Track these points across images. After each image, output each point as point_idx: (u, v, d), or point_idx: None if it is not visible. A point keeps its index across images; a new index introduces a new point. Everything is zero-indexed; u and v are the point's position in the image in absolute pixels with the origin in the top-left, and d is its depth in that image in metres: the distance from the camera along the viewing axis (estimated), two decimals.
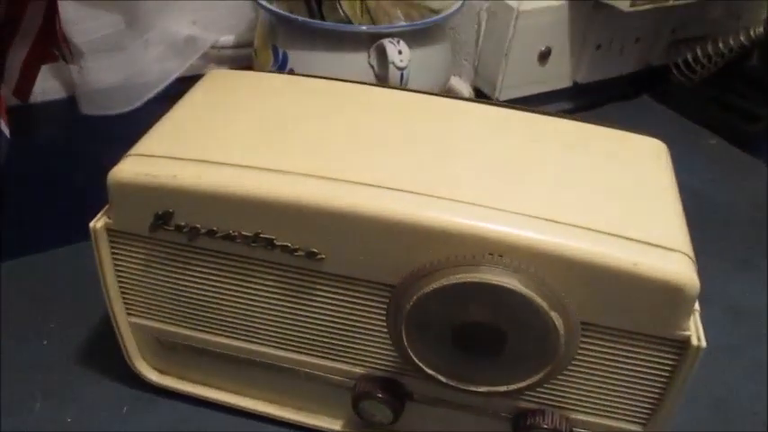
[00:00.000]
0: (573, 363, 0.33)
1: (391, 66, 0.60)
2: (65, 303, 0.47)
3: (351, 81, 0.42)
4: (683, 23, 0.79)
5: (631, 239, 0.31)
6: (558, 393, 0.35)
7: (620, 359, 0.33)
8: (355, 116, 0.38)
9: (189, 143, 0.35)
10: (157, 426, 0.40)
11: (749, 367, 0.48)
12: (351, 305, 0.34)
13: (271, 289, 0.35)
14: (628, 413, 0.35)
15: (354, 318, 0.35)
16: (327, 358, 0.37)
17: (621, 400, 0.34)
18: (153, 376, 0.41)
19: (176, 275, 0.36)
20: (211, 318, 0.37)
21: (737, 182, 0.68)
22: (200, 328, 0.38)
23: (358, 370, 0.37)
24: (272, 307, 0.36)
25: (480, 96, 0.75)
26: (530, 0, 0.68)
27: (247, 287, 0.35)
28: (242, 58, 0.76)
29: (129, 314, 0.39)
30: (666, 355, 0.32)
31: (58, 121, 0.69)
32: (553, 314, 0.30)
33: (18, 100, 0.59)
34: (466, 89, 0.76)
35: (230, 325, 0.37)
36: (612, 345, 0.32)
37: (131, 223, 0.35)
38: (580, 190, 0.34)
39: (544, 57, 0.72)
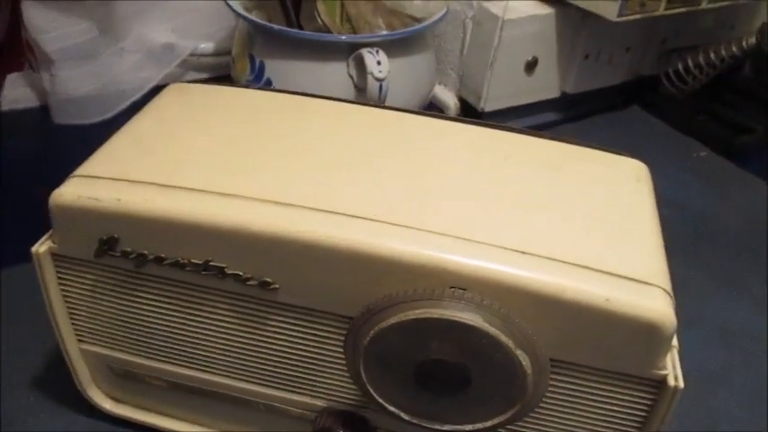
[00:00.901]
0: (543, 401, 0.31)
1: (369, 76, 0.57)
2: (20, 326, 0.45)
3: (319, 96, 0.40)
4: (675, 33, 0.77)
5: (604, 272, 0.29)
6: (528, 429, 0.33)
7: (593, 399, 0.31)
8: (319, 136, 0.36)
9: (137, 164, 0.33)
10: None
11: (737, 392, 0.46)
12: (308, 337, 0.32)
13: (223, 318, 0.33)
14: None
15: (312, 350, 0.33)
16: (286, 390, 0.35)
17: None
18: (107, 405, 0.39)
19: (125, 302, 0.34)
20: (162, 346, 0.35)
21: (727, 195, 0.66)
22: (152, 356, 0.36)
23: (319, 402, 0.35)
24: (224, 336, 0.34)
25: (465, 107, 0.73)
26: (516, 7, 0.66)
27: (198, 316, 0.33)
28: (222, 66, 0.74)
29: (79, 341, 0.37)
30: (642, 396, 0.30)
31: (29, 131, 0.67)
32: (519, 352, 0.28)
33: None
34: (451, 99, 0.74)
35: (182, 354, 0.35)
36: (585, 383, 0.30)
37: (76, 248, 0.33)
38: (553, 217, 0.32)
39: (531, 67, 0.70)
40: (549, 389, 0.31)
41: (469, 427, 0.32)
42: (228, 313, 0.33)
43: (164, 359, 0.36)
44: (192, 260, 0.31)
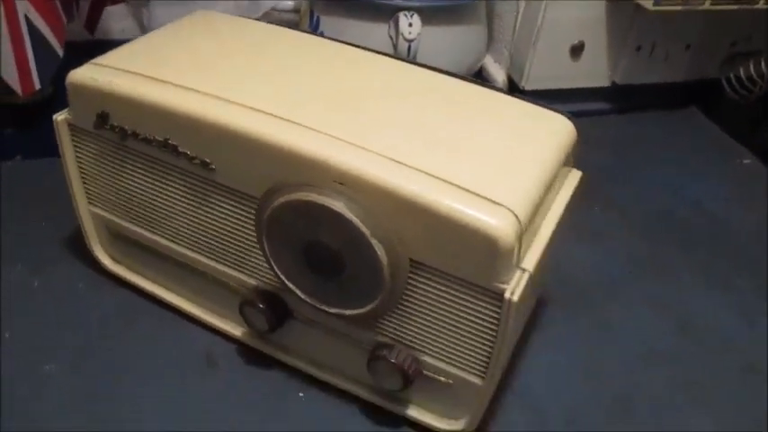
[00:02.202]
0: (411, 300, 0.36)
1: (400, 37, 0.63)
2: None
3: (318, 36, 0.47)
4: (747, 36, 0.74)
5: (461, 188, 0.33)
6: (405, 331, 0.37)
7: (452, 303, 0.35)
8: (284, 58, 0.42)
9: (136, 60, 0.41)
10: (97, 304, 0.47)
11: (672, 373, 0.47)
12: (237, 215, 0.39)
13: (180, 193, 0.41)
14: (468, 363, 0.37)
15: (241, 228, 0.40)
16: (225, 264, 0.42)
17: (460, 348, 0.36)
18: (106, 261, 0.48)
19: (115, 170, 0.43)
20: (140, 213, 0.44)
21: (756, 205, 0.64)
22: (134, 221, 0.44)
23: (252, 282, 0.42)
24: (182, 210, 0.41)
25: (512, 85, 0.76)
26: None
27: (163, 188, 0.41)
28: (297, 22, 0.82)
29: (89, 203, 0.46)
30: (489, 306, 0.34)
31: None
32: (375, 242, 0.33)
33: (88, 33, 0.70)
34: (500, 75, 0.77)
35: (155, 222, 0.43)
36: (442, 288, 0.35)
37: (83, 120, 0.42)
38: (449, 145, 0.36)
39: (576, 51, 0.71)
40: (413, 290, 0.35)
41: (348, 311, 0.37)
42: (183, 188, 0.40)
43: (142, 225, 0.44)
44: (156, 137, 0.39)
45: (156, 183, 0.41)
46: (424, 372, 0.39)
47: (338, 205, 0.33)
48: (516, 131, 0.38)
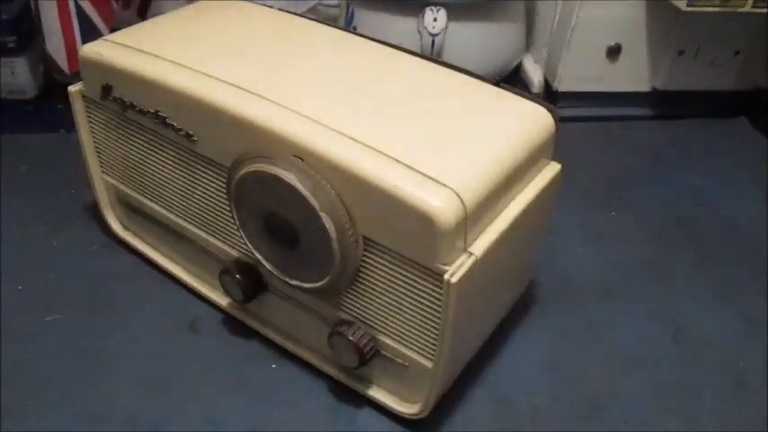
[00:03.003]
0: (367, 278, 0.36)
1: (424, 31, 0.64)
2: None
3: (316, 20, 0.48)
4: None
5: (411, 168, 0.33)
6: (364, 309, 0.38)
7: (402, 283, 0.35)
8: (276, 41, 0.44)
9: (139, 38, 0.44)
10: (105, 266, 0.51)
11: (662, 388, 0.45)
12: (216, 187, 0.41)
13: (171, 163, 0.43)
14: (420, 345, 0.37)
15: (221, 200, 0.41)
16: (212, 235, 0.44)
17: (413, 329, 0.37)
18: (116, 227, 0.52)
19: (119, 140, 0.46)
20: (141, 181, 0.46)
21: None
22: (136, 189, 0.47)
23: (233, 252, 0.44)
24: (174, 180, 0.44)
25: (548, 86, 0.75)
26: None
27: (158, 158, 0.44)
28: None
29: (102, 171, 0.50)
30: (433, 288, 0.34)
31: None
32: (323, 215, 0.34)
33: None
34: (536, 76, 0.76)
35: (153, 191, 0.46)
36: (393, 266, 0.35)
37: (92, 91, 0.45)
38: (412, 126, 0.36)
39: (613, 53, 0.69)
40: (368, 268, 0.36)
41: (307, 285, 0.38)
42: (173, 158, 0.43)
43: (143, 194, 0.47)
44: (149, 109, 0.41)
45: (152, 153, 0.44)
46: (382, 352, 0.39)
47: (290, 177, 0.34)
48: (483, 117, 0.38)
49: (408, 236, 0.33)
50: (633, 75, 0.71)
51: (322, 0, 0.84)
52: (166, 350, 0.45)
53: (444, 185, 0.32)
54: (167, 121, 0.41)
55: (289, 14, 0.49)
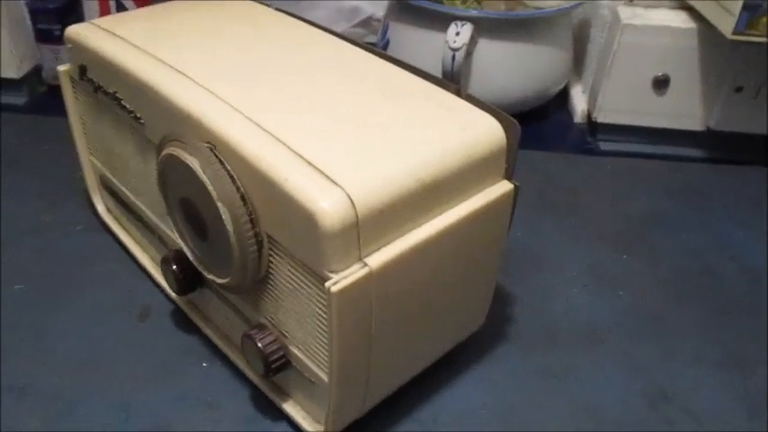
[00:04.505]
0: (275, 280, 0.34)
1: (446, 44, 0.61)
2: None
3: (300, 18, 0.47)
4: None
5: (309, 163, 0.31)
6: (278, 315, 0.36)
7: (302, 288, 0.33)
8: (238, 33, 0.43)
9: (121, 24, 0.44)
10: (83, 244, 0.52)
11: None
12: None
13: (131, 146, 0.43)
14: (321, 359, 0.34)
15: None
16: (164, 222, 0.44)
17: (314, 341, 0.34)
18: (100, 208, 0.53)
19: (96, 121, 0.47)
20: (113, 164, 0.47)
21: None
22: (111, 172, 0.48)
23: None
24: (134, 163, 0.44)
25: (589, 116, 0.69)
26: (649, 15, 0.61)
27: (121, 141, 0.44)
28: None
29: (90, 153, 0.51)
30: (322, 296, 0.31)
31: None
32: (221, 205, 0.32)
33: None
34: (580, 104, 0.71)
35: (122, 174, 0.46)
36: (293, 269, 0.33)
37: (75, 71, 0.46)
38: (336, 123, 0.34)
39: (660, 85, 0.63)
40: (275, 269, 0.34)
41: (219, 280, 0.36)
42: (132, 142, 0.43)
43: (114, 175, 0.48)
44: (110, 90, 0.42)
45: (117, 136, 0.44)
46: (294, 364, 0.37)
47: (194, 162, 0.33)
48: (419, 122, 0.35)
49: (299, 236, 0.31)
50: (683, 111, 0.65)
51: (374, 15, 0.84)
52: (107, 334, 0.45)
53: (336, 185, 0.30)
54: (122, 102, 0.41)
55: (283, 14, 0.48)
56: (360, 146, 0.33)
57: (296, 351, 0.36)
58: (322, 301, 0.31)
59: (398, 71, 0.40)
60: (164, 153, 0.35)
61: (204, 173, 0.32)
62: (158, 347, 0.44)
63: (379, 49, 0.72)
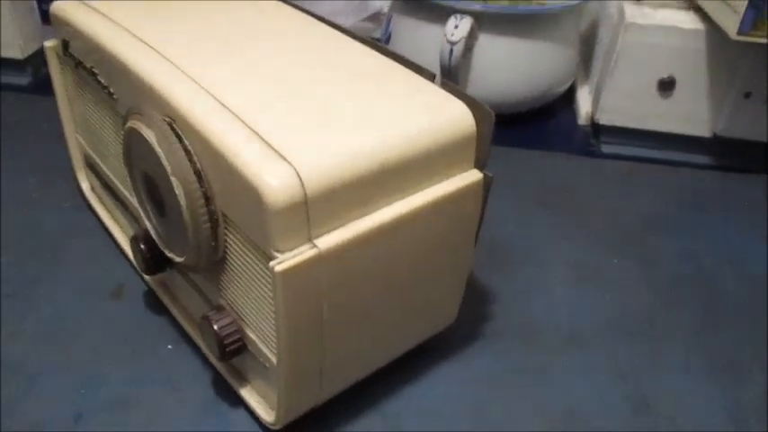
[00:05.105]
0: (232, 261, 0.33)
1: (444, 38, 0.60)
2: None
3: (302, 9, 0.46)
4: None
5: (262, 139, 0.30)
6: (236, 297, 0.35)
7: (254, 268, 0.32)
8: (229, 21, 0.42)
9: (106, 2, 0.44)
10: (68, 221, 0.52)
11: None
12: None
13: (109, 123, 0.43)
14: (273, 343, 0.33)
15: None
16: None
17: (266, 324, 0.33)
18: (84, 186, 0.53)
19: (79, 97, 0.46)
20: (93, 141, 0.47)
21: None
22: (92, 148, 0.48)
23: None
24: (111, 140, 0.44)
25: (592, 119, 0.67)
26: (656, 14, 0.59)
27: (99, 117, 0.44)
28: None
29: (76, 131, 0.51)
30: (268, 276, 0.30)
31: None
32: (174, 180, 0.31)
33: None
34: (585, 105, 0.69)
35: (100, 151, 0.46)
36: (246, 248, 0.32)
37: (60, 47, 0.46)
38: (301, 102, 0.33)
39: (665, 87, 0.61)
40: (231, 249, 0.33)
41: (177, 258, 0.36)
42: (108, 117, 0.42)
43: (95, 152, 0.47)
44: (88, 65, 0.42)
45: (98, 113, 0.44)
46: (250, 348, 0.36)
47: (150, 135, 0.32)
48: (385, 104, 0.34)
49: (248, 213, 0.30)
50: (690, 115, 0.62)
51: (382, 8, 0.83)
52: (79, 310, 0.44)
53: (286, 161, 0.29)
54: (98, 78, 0.41)
55: (283, 4, 0.47)
56: (319, 125, 0.32)
57: (251, 335, 0.35)
58: (270, 281, 0.30)
59: (377, 57, 0.39)
60: (126, 126, 0.35)
61: (160, 146, 0.32)
62: (128, 326, 0.44)
63: (382, 42, 0.72)
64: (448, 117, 0.34)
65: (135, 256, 0.42)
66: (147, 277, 0.45)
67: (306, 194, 0.29)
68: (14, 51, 0.68)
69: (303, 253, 0.29)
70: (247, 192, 0.29)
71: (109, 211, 0.51)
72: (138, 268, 0.43)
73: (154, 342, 0.43)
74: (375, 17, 0.84)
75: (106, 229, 0.51)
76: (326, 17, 0.71)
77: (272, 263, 0.29)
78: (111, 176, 0.46)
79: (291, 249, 0.29)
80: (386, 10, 0.83)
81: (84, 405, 0.39)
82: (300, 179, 0.29)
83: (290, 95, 0.34)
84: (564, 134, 0.69)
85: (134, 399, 0.39)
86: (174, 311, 0.43)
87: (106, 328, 0.43)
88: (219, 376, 0.40)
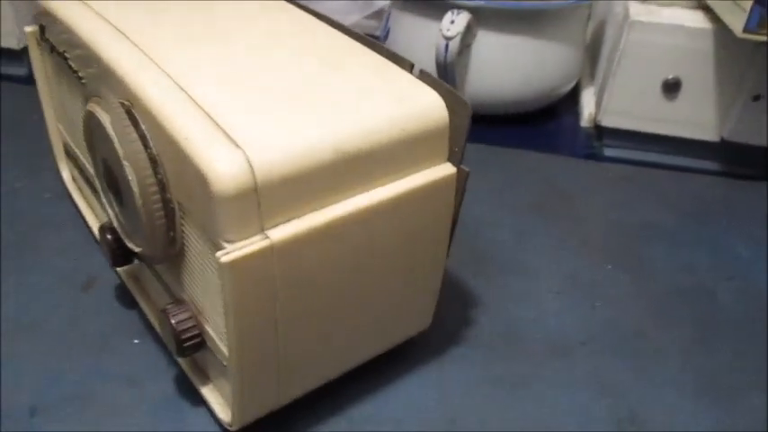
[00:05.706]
0: (187, 252, 0.32)
1: (440, 32, 0.58)
2: None
3: (300, 6, 0.45)
4: None
5: (217, 125, 0.28)
6: (192, 290, 0.33)
7: (207, 260, 0.30)
8: (210, 10, 0.41)
9: None
10: (46, 212, 0.51)
11: None
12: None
13: (79, 106, 0.41)
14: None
15: None
16: None
17: (222, 320, 0.31)
18: (64, 175, 0.52)
19: (57, 84, 0.45)
20: (70, 128, 0.46)
21: None
22: (70, 136, 0.47)
23: None
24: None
25: (595, 121, 0.65)
26: (662, 12, 0.57)
27: (73, 103, 0.43)
28: None
29: (57, 119, 0.50)
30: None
31: None
32: (126, 164, 0.30)
33: None
34: (589, 106, 0.67)
35: (76, 139, 0.45)
36: (199, 239, 0.30)
37: (38, 32, 0.45)
38: (265, 91, 0.31)
39: (670, 89, 0.59)
40: (188, 240, 0.31)
41: (136, 249, 0.34)
42: (80, 102, 0.41)
43: (73, 140, 0.46)
44: (59, 49, 0.41)
45: (71, 99, 0.43)
46: (208, 344, 0.34)
47: (105, 118, 0.31)
48: (353, 93, 0.32)
49: (198, 201, 0.28)
50: (696, 118, 0.60)
51: (385, 6, 0.82)
52: (49, 301, 0.43)
53: (238, 147, 0.27)
54: (69, 62, 0.40)
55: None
56: (278, 112, 0.30)
57: (210, 331, 0.33)
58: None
59: (354, 46, 0.37)
60: (85, 109, 0.34)
61: (114, 130, 0.31)
62: (95, 320, 0.42)
63: (381, 38, 0.70)
64: (418, 107, 0.32)
65: (102, 247, 0.41)
66: (118, 270, 0.44)
67: (256, 182, 0.27)
68: (11, 41, 0.68)
69: (253, 244, 0.28)
70: (197, 178, 0.27)
71: (87, 200, 0.50)
72: (107, 258, 0.41)
73: (120, 336, 0.41)
74: (379, 14, 0.83)
75: (84, 220, 0.50)
76: (329, 15, 0.69)
77: (218, 253, 0.27)
78: (87, 165, 0.45)
79: (241, 240, 0.28)
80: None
81: (40, 399, 0.37)
82: (251, 166, 0.27)
83: (256, 83, 0.32)
84: (566, 136, 0.67)
85: (97, 392, 0.38)
86: (143, 305, 0.42)
87: (74, 321, 0.42)
88: (183, 373, 0.39)
